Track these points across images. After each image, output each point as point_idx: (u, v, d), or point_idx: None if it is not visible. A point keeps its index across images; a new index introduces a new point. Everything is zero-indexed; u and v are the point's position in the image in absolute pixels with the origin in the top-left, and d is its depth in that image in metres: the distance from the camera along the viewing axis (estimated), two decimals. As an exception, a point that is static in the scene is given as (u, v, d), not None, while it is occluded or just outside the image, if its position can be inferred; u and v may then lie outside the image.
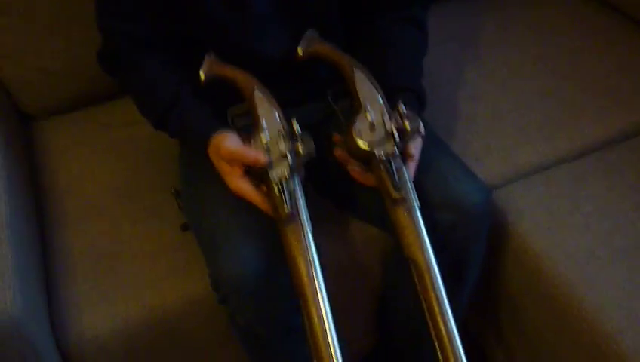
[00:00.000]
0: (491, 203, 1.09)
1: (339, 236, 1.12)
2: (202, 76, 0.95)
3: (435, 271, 0.82)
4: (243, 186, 0.89)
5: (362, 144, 0.88)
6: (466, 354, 0.79)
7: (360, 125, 0.88)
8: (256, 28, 0.98)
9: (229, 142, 0.89)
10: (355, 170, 0.91)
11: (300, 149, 0.86)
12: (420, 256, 0.83)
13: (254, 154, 0.86)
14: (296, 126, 0.88)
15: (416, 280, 0.84)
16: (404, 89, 0.96)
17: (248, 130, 0.92)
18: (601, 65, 1.31)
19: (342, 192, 1.08)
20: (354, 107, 0.92)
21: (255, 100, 0.91)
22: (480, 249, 1.04)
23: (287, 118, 0.90)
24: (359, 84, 0.92)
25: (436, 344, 0.81)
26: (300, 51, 0.98)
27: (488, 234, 1.03)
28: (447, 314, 0.81)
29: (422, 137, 0.91)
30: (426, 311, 0.82)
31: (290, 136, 0.88)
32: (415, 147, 0.90)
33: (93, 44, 1.15)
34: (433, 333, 0.81)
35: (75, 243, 1.12)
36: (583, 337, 0.96)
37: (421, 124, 0.90)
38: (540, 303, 1.05)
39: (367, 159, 0.88)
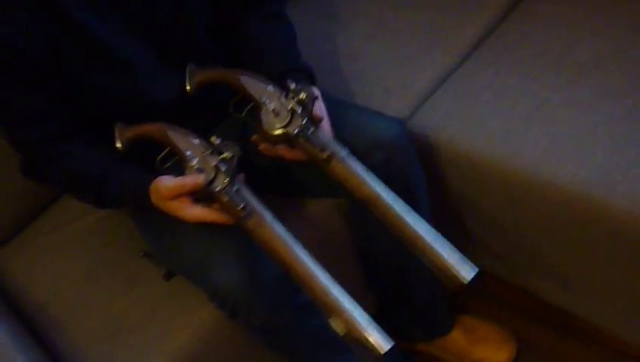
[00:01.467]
0: (408, 129, 1.21)
1: (300, 220, 1.21)
2: (119, 146, 1.02)
3: (389, 195, 0.92)
4: (197, 212, 0.95)
5: (276, 132, 0.97)
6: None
7: (266, 118, 0.98)
8: (144, 81, 1.06)
9: (164, 181, 0.95)
10: (283, 151, 1.00)
11: (227, 155, 0.94)
12: (369, 190, 0.92)
13: (191, 179, 0.93)
14: (214, 139, 0.96)
15: (379, 216, 0.92)
16: (288, 70, 1.06)
17: (179, 167, 0.99)
18: None
19: (284, 181, 1.17)
20: (255, 107, 1.01)
21: (171, 139, 0.99)
22: (418, 171, 1.15)
23: (206, 139, 0.98)
24: (248, 86, 1.01)
25: (426, 258, 0.87)
26: (189, 89, 1.05)
27: (421, 156, 1.16)
28: (421, 221, 0.89)
29: (320, 99, 1.01)
30: (402, 236, 0.89)
31: (214, 149, 0.96)
32: (319, 108, 1.00)
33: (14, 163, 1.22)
34: (419, 250, 0.87)
35: (78, 339, 1.17)
36: (530, 196, 1.09)
37: (314, 88, 1.00)
38: (486, 187, 1.18)
39: (287, 141, 0.98)
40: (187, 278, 1.11)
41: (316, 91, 1.00)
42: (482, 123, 1.17)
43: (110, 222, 1.33)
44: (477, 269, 0.85)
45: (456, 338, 1.33)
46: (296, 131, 0.95)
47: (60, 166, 1.05)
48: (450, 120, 1.21)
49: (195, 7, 1.08)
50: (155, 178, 0.97)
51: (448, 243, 0.87)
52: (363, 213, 1.13)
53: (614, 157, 1.01)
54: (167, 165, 1.00)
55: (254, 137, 1.02)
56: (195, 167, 0.95)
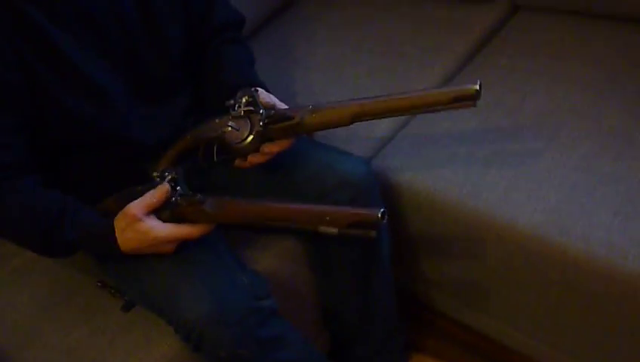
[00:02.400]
0: (372, 170, 1.24)
1: (263, 253, 1.21)
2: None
3: (372, 99, 0.99)
4: (170, 228, 0.97)
5: (248, 139, 1.01)
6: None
7: (232, 140, 1.02)
8: (119, 110, 1.06)
9: (132, 203, 0.97)
10: (269, 147, 1.03)
11: (172, 175, 0.99)
12: (352, 107, 0.99)
13: (157, 190, 0.97)
14: (156, 175, 1.00)
15: (377, 115, 1.00)
16: (238, 85, 1.08)
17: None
18: (397, 32, 1.54)
19: None
20: (220, 143, 1.05)
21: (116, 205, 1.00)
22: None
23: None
24: (200, 134, 1.07)
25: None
26: (155, 177, 1.02)
27: (383, 196, 1.20)
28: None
29: (261, 90, 1.05)
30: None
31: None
32: (264, 97, 1.05)
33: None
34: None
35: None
36: (487, 237, 1.14)
37: (251, 89, 1.04)
38: (445, 227, 1.23)
39: (262, 141, 1.02)
40: (150, 309, 1.09)
41: (252, 89, 1.04)
42: (442, 165, 1.22)
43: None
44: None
45: (410, 376, 1.36)
46: (262, 124, 1.00)
47: (6, 201, 0.99)
48: (411, 162, 1.26)
49: (171, 35, 1.11)
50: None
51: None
52: (325, 248, 1.17)
53: (568, 203, 1.07)
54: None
55: (236, 162, 1.05)
56: (155, 174, 1.00)
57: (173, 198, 0.98)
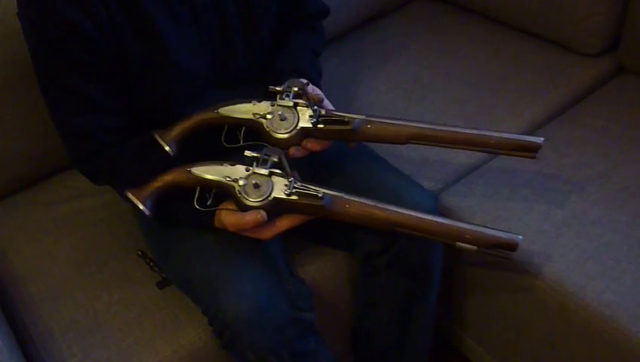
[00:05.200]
0: (439, 207, 1.19)
1: (309, 260, 1.17)
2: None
3: (430, 124, 0.98)
4: (275, 227, 0.95)
5: (293, 134, 0.97)
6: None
7: (275, 128, 0.97)
8: (195, 97, 1.03)
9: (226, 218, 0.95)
10: (312, 144, 0.98)
11: (274, 158, 0.93)
12: (409, 128, 0.98)
13: (250, 216, 0.92)
14: (250, 153, 0.94)
15: (429, 142, 0.98)
16: (288, 71, 1.05)
17: (223, 200, 0.97)
18: (493, 67, 1.48)
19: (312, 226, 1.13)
20: (255, 130, 0.99)
21: (199, 176, 0.96)
22: (439, 252, 1.12)
23: (235, 157, 0.96)
24: (233, 111, 0.99)
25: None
26: (168, 150, 0.99)
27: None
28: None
29: (308, 85, 0.99)
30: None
31: (258, 160, 0.94)
32: (313, 91, 1.01)
33: (26, 126, 1.19)
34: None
35: (52, 324, 1.09)
36: (550, 302, 1.07)
37: (303, 79, 0.99)
38: (504, 282, 1.16)
39: (305, 136, 0.98)
40: (187, 293, 1.06)
41: (303, 80, 0.99)
42: (514, 216, 1.15)
43: (109, 211, 1.27)
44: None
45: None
46: (313, 122, 0.96)
47: (122, 159, 1.01)
48: (480, 206, 1.19)
49: (264, 27, 1.07)
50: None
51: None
52: (375, 275, 1.11)
53: (644, 287, 1.00)
54: (209, 203, 0.97)
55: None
56: (246, 184, 0.92)
57: (288, 191, 0.93)
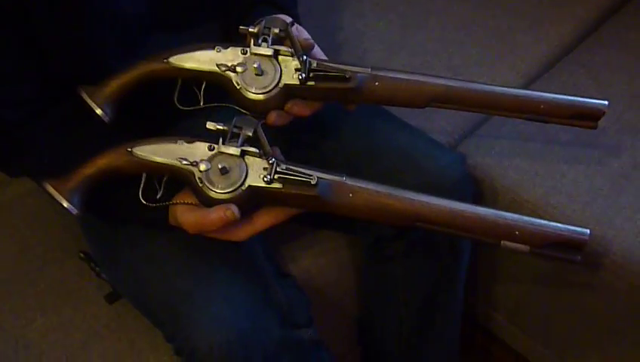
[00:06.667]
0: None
1: (301, 250, 0.95)
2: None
3: (455, 82, 0.73)
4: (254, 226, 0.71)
5: (274, 94, 0.72)
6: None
7: (248, 85, 0.71)
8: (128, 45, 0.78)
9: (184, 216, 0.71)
10: (298, 107, 0.74)
11: (247, 132, 0.69)
12: (431, 86, 0.73)
13: (216, 214, 0.68)
14: (212, 125, 0.69)
15: (454, 106, 0.74)
16: (257, 2, 0.80)
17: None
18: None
19: None
20: (222, 86, 0.74)
21: (145, 159, 0.71)
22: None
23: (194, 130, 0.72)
24: (186, 61, 0.73)
25: None
26: (100, 113, 0.73)
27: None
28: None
29: (293, 24, 0.74)
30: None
31: (226, 135, 0.69)
32: (302, 35, 0.75)
33: None
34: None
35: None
36: (618, 281, 0.86)
37: (285, 17, 0.74)
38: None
39: (290, 97, 0.73)
40: (142, 313, 0.82)
41: (287, 19, 0.73)
42: (557, 172, 0.92)
43: (41, 200, 1.01)
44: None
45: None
46: (301, 78, 0.71)
47: (36, 139, 0.76)
48: (511, 161, 0.95)
49: None
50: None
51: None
52: (382, 266, 0.90)
53: None
54: (159, 196, 0.72)
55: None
56: (209, 169, 0.68)
57: (268, 177, 0.68)
